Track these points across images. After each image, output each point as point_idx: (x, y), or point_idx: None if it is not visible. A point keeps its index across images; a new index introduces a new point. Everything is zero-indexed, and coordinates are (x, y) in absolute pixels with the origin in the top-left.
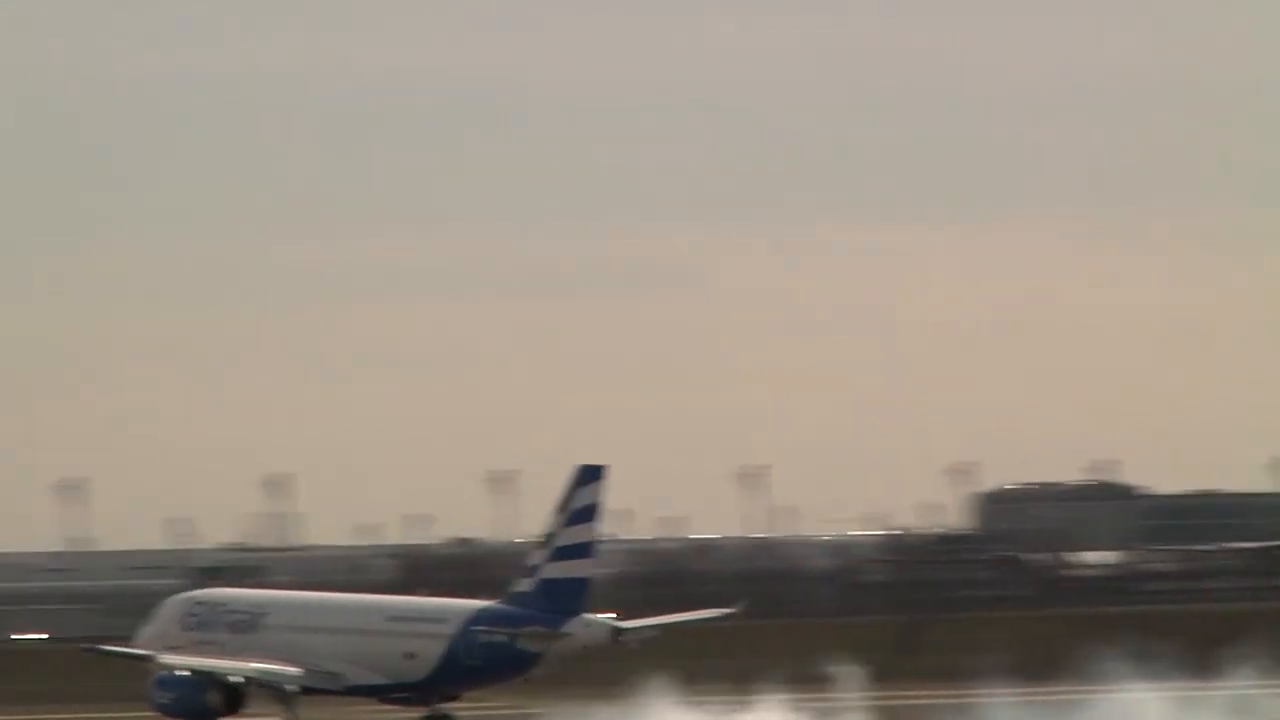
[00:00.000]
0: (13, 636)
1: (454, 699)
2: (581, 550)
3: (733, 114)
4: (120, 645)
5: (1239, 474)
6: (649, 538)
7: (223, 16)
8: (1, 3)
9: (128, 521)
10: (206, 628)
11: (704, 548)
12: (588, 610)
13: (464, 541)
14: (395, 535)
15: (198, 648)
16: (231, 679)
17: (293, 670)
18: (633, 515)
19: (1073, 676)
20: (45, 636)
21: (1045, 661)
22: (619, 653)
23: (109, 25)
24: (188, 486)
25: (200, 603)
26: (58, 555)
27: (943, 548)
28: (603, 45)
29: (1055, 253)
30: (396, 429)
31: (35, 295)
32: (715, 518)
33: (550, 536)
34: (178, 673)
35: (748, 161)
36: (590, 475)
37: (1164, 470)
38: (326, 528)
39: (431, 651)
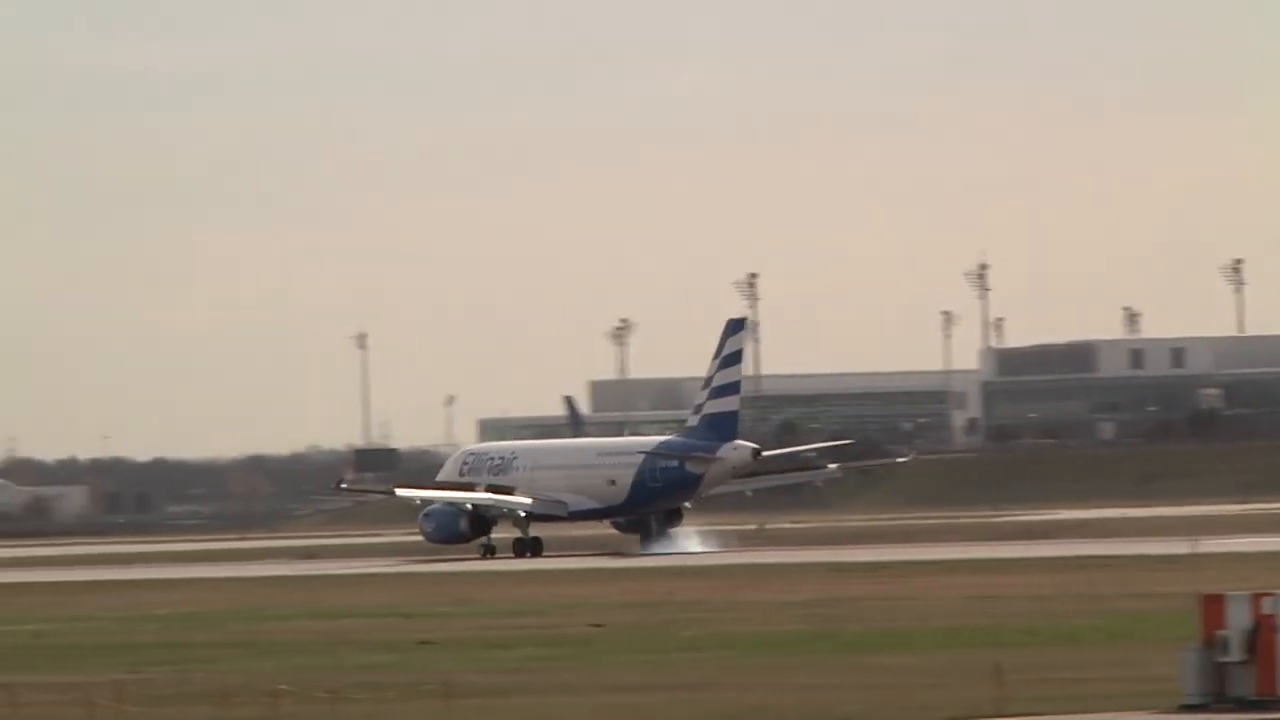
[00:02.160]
0: None
1: (675, 518)
2: (731, 389)
3: None
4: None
5: None
6: None
7: None
8: None
9: None
10: (475, 472)
11: None
12: (738, 438)
13: None
14: None
15: (470, 488)
16: (477, 508)
17: (525, 499)
18: None
19: None
20: None
21: None
22: None
23: None
24: None
25: (472, 453)
26: None
27: None
28: None
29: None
30: None
31: None
32: None
33: (709, 379)
34: (436, 506)
35: None
36: (736, 327)
37: None
38: None
39: (626, 478)
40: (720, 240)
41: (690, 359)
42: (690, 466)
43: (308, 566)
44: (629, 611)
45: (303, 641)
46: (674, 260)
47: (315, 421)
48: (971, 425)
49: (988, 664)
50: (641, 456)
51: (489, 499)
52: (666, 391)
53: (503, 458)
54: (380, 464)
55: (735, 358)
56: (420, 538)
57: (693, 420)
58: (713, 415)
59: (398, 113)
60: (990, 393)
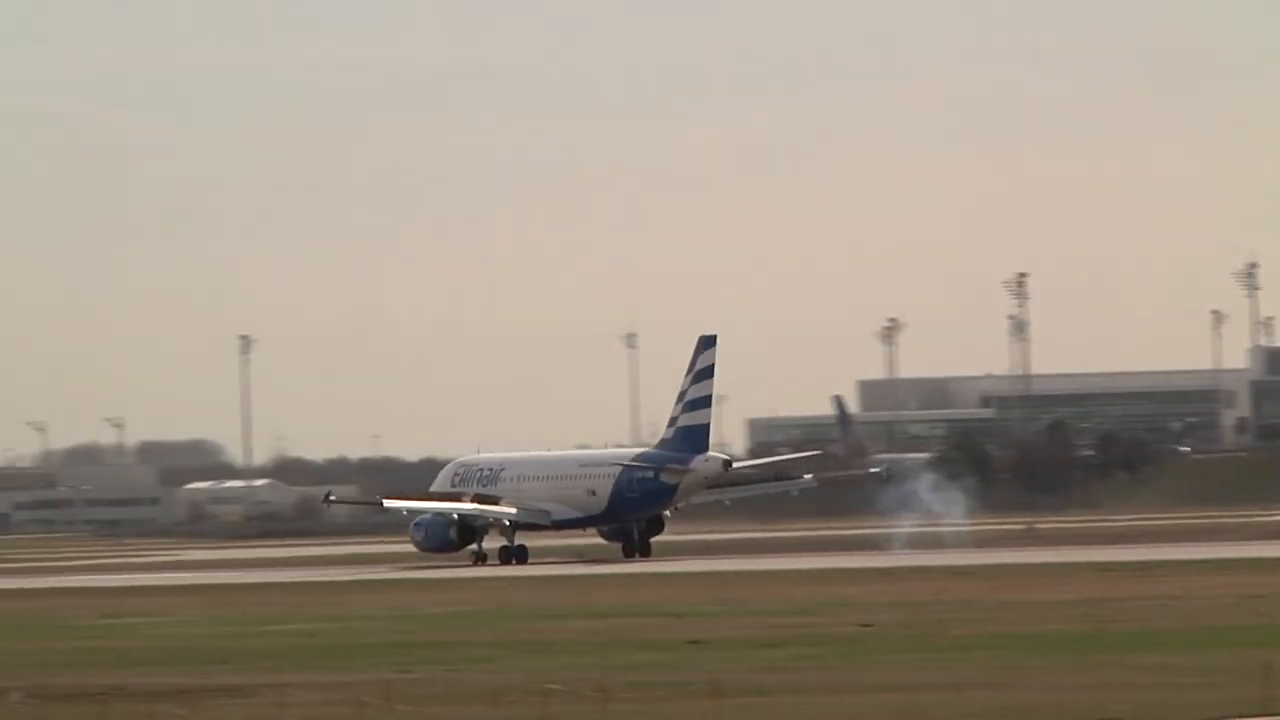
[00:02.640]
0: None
1: (656, 526)
2: (703, 403)
3: None
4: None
5: None
6: None
7: None
8: None
9: None
10: (466, 483)
11: None
12: (708, 450)
13: None
14: None
15: (459, 498)
16: (464, 518)
17: (510, 509)
18: None
19: None
20: None
21: None
22: None
23: None
24: None
25: (463, 464)
26: None
27: None
28: None
29: None
30: None
31: None
32: None
33: (682, 393)
34: (425, 516)
35: None
36: (708, 342)
37: None
38: None
39: (605, 489)
40: (989, 240)
41: (959, 359)
42: (665, 477)
43: (576, 566)
44: (898, 611)
45: (572, 641)
46: (943, 260)
47: (584, 421)
48: (1241, 424)
49: (1257, 664)
50: (619, 468)
51: (474, 509)
52: (934, 391)
53: (491, 469)
54: None
55: (707, 372)
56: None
57: (668, 433)
58: (686, 428)
59: (667, 114)
60: (1259, 391)
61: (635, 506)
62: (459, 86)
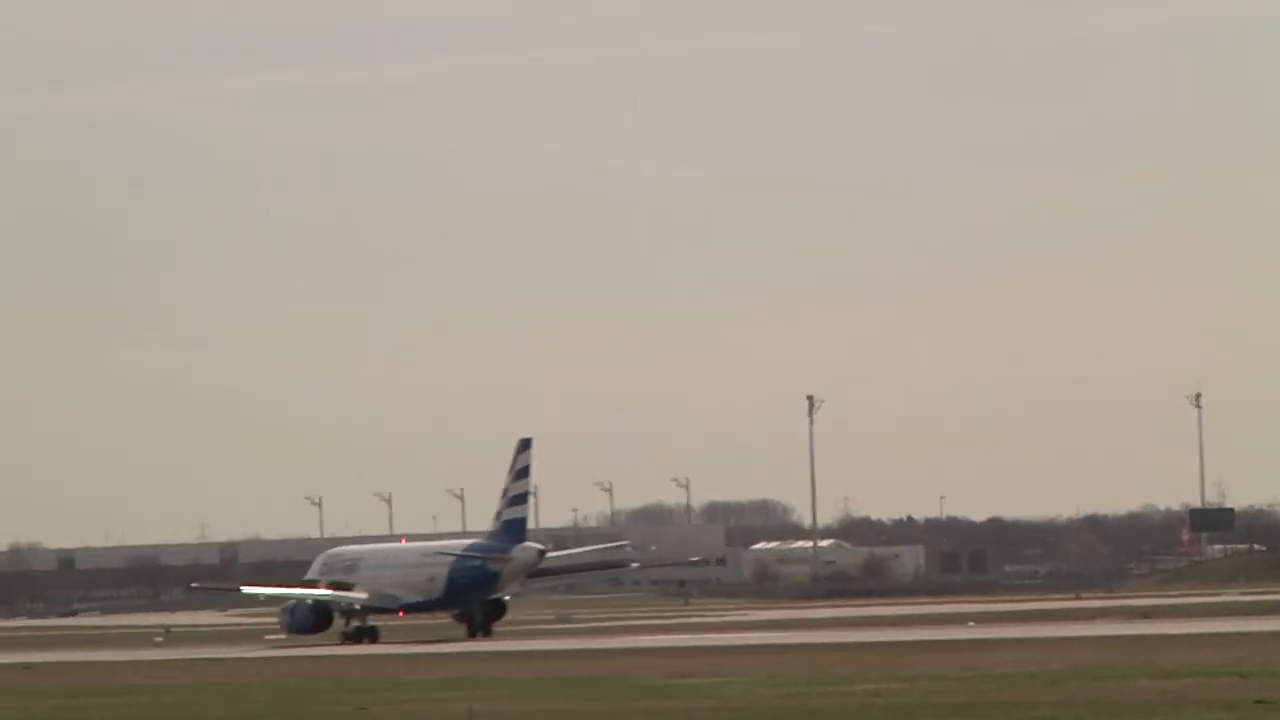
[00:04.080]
0: None
1: (498, 609)
2: (522, 499)
3: None
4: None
5: None
6: None
7: None
8: None
9: None
10: (332, 571)
11: None
12: (526, 540)
13: None
14: None
15: (328, 584)
16: (320, 603)
17: (362, 594)
18: None
19: None
20: None
21: None
22: None
23: None
24: None
25: (332, 554)
26: None
27: None
28: None
29: None
30: None
31: None
32: None
33: (505, 490)
34: (292, 600)
35: None
36: (525, 445)
37: None
38: None
39: (441, 575)
40: None
41: None
42: (489, 565)
43: (1144, 626)
44: None
45: (1140, 701)
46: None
47: (1151, 481)
48: None
49: None
50: (453, 558)
51: (329, 595)
52: None
53: (352, 560)
54: (1217, 524)
55: (525, 471)
56: None
57: (494, 526)
58: (508, 521)
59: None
60: None
61: (467, 591)
62: None
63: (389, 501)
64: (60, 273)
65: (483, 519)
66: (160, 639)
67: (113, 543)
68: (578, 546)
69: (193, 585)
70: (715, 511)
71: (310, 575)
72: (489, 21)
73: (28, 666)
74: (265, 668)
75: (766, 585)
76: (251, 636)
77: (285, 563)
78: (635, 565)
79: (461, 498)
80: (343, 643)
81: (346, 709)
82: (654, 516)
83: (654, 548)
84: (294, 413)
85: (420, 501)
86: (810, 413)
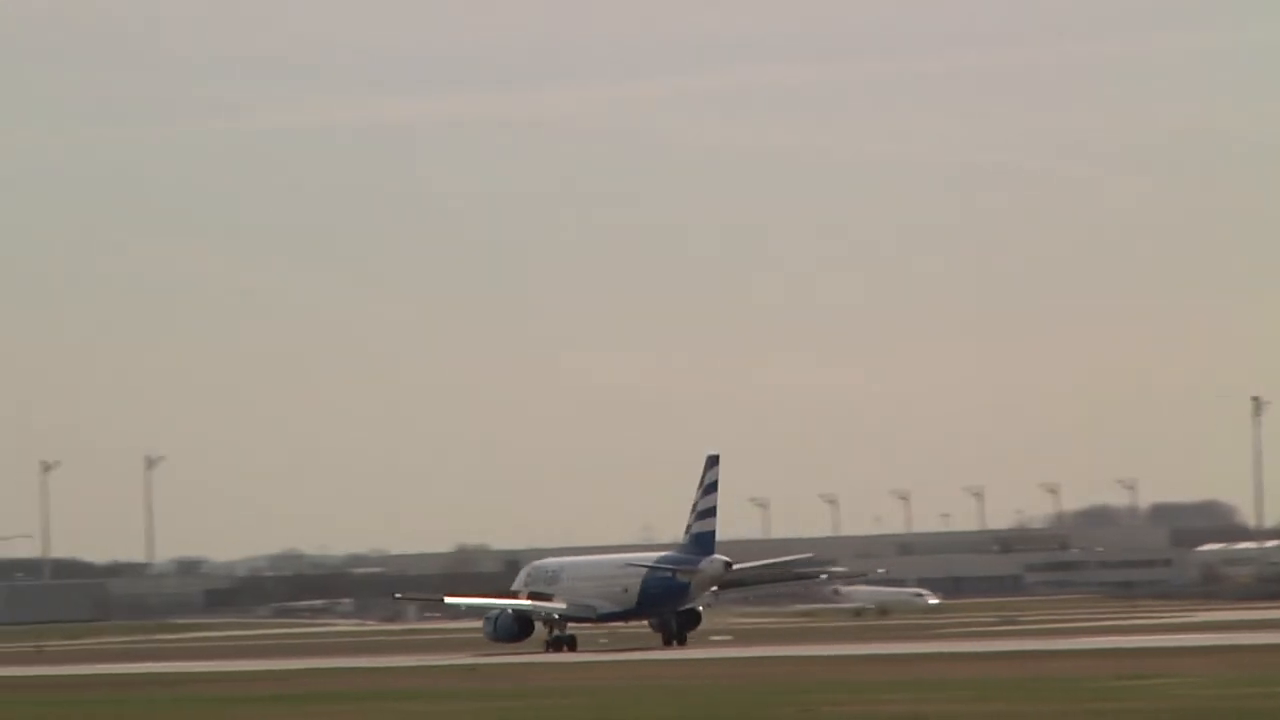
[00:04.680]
0: None
1: (693, 619)
2: (710, 513)
3: None
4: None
5: None
6: None
7: None
8: None
9: None
10: (535, 582)
11: None
12: (714, 553)
13: None
14: None
15: (528, 595)
16: (521, 612)
17: (560, 604)
18: None
19: None
20: None
21: None
22: None
23: None
24: None
25: (536, 566)
26: None
27: None
28: None
29: None
30: None
31: None
32: None
33: (695, 504)
34: (494, 611)
35: None
36: (713, 461)
37: None
38: None
39: (635, 586)
40: None
41: None
42: (680, 577)
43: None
44: None
45: None
46: None
47: None
48: None
49: None
50: (646, 569)
51: (528, 605)
52: None
53: (553, 571)
54: None
55: (713, 486)
56: None
57: (684, 539)
58: (697, 534)
59: None
60: None
61: (658, 601)
62: None
63: (834, 503)
64: (505, 277)
65: (927, 520)
66: (604, 640)
67: (558, 544)
68: (1022, 547)
69: (395, 595)
70: (1162, 513)
71: (515, 586)
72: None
73: (473, 668)
74: (702, 669)
75: (1211, 587)
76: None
77: None
78: (823, 577)
79: (906, 498)
80: (545, 651)
81: (791, 710)
82: (1099, 518)
83: (1100, 549)
84: (740, 415)
85: (864, 503)
86: (1256, 414)
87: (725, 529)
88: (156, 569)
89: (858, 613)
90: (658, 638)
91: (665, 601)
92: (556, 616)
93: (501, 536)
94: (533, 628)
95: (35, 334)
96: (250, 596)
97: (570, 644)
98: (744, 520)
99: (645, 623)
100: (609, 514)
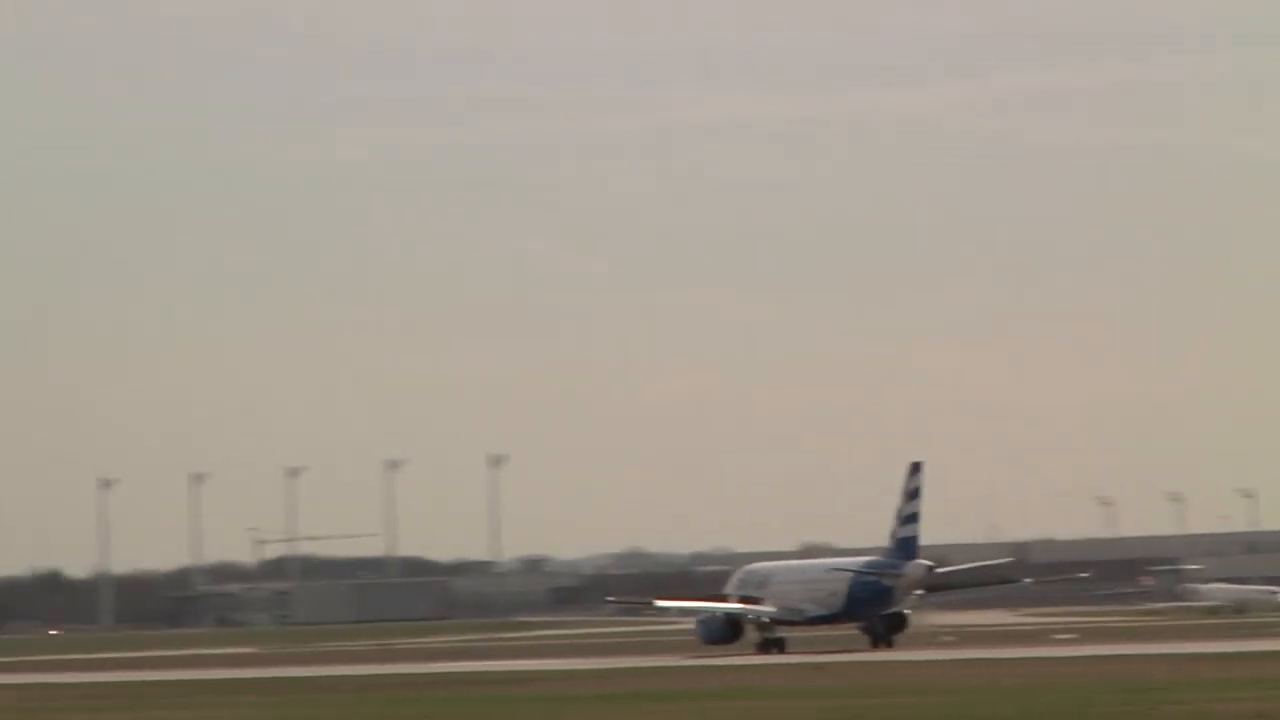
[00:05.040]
0: None
1: (899, 623)
2: (913, 519)
3: None
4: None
5: None
6: None
7: None
8: None
9: None
10: (746, 586)
11: None
12: (917, 558)
13: None
14: None
15: (739, 598)
16: (732, 615)
17: (770, 608)
18: None
19: None
20: None
21: None
22: None
23: None
24: None
25: (748, 570)
26: None
27: None
28: None
29: None
30: None
31: None
32: None
33: (899, 510)
34: (705, 614)
35: None
36: (916, 468)
37: None
38: None
39: (842, 590)
40: None
41: None
42: (885, 581)
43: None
44: None
45: None
46: None
47: None
48: None
49: None
50: (852, 573)
51: (738, 608)
52: None
53: (764, 575)
54: None
55: (916, 493)
56: None
57: (889, 544)
58: (901, 539)
59: None
60: None
61: (865, 605)
62: None
63: (1180, 500)
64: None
65: (1275, 518)
66: (950, 638)
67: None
68: None
69: (608, 599)
70: None
71: (727, 589)
72: None
73: (819, 667)
74: (1046, 667)
75: None
76: (1037, 636)
77: (1071, 563)
78: (1028, 581)
79: (1253, 496)
80: (756, 653)
81: (1138, 709)
82: None
83: None
84: (1081, 415)
85: (1210, 501)
86: None
87: (1060, 527)
88: (501, 567)
89: (1213, 611)
90: (863, 640)
91: (871, 605)
92: (766, 619)
93: (844, 535)
94: (742, 630)
95: (379, 337)
96: (595, 595)
97: (780, 646)
98: (1085, 519)
99: (852, 626)
100: (954, 511)
